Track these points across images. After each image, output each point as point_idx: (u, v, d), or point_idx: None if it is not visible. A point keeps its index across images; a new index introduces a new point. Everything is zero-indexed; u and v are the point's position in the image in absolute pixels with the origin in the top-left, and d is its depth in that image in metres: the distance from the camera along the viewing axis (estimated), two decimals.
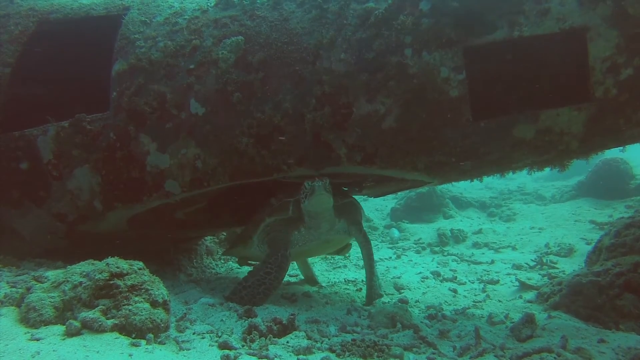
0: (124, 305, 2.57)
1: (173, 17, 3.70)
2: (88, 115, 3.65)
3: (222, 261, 5.64)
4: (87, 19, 3.89)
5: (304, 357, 2.65)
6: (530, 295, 4.60)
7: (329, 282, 5.13)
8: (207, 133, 3.47)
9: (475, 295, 4.72)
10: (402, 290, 4.82)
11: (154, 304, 2.66)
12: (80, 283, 2.63)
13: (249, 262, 4.74)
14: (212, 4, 3.66)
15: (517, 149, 3.27)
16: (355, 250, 4.18)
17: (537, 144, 3.24)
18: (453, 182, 4.12)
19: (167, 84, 3.53)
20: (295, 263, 5.37)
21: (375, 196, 5.31)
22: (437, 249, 7.57)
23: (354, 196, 4.31)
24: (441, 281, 5.40)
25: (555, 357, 2.52)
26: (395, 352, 2.71)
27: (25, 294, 2.76)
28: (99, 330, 2.46)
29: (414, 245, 7.88)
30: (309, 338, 2.96)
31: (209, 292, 4.05)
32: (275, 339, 2.87)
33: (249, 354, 2.61)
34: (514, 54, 3.50)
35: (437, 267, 6.25)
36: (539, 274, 5.50)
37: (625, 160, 10.00)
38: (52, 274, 2.97)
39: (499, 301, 4.53)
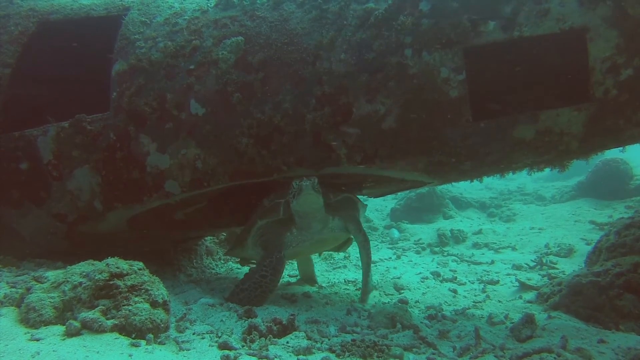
0: (123, 305, 2.57)
1: (173, 17, 3.71)
2: (88, 115, 3.65)
3: (222, 261, 5.64)
4: (87, 19, 3.89)
5: (304, 357, 2.65)
6: (530, 295, 4.60)
7: (328, 282, 5.12)
8: (207, 133, 3.47)
9: (475, 296, 4.72)
10: (402, 291, 4.81)
11: (153, 304, 2.66)
12: (80, 283, 2.63)
13: (251, 262, 4.73)
14: (212, 5, 3.66)
15: (517, 149, 3.27)
16: (356, 251, 4.17)
17: (537, 145, 3.24)
18: (453, 183, 4.12)
19: (167, 84, 3.53)
20: (295, 263, 5.37)
21: (375, 196, 5.31)
22: (437, 249, 7.56)
23: None
24: (441, 281, 5.40)
25: (555, 357, 2.52)
26: (395, 353, 2.71)
27: (25, 294, 2.76)
28: (98, 330, 2.46)
29: (414, 246, 7.86)
30: (309, 338, 2.96)
31: (209, 292, 4.05)
32: (275, 339, 2.87)
33: (249, 354, 2.61)
34: (514, 54, 3.50)
35: (437, 267, 6.24)
36: (539, 275, 5.50)
37: (625, 161, 9.97)
38: (52, 274, 2.97)
39: (499, 301, 4.53)
